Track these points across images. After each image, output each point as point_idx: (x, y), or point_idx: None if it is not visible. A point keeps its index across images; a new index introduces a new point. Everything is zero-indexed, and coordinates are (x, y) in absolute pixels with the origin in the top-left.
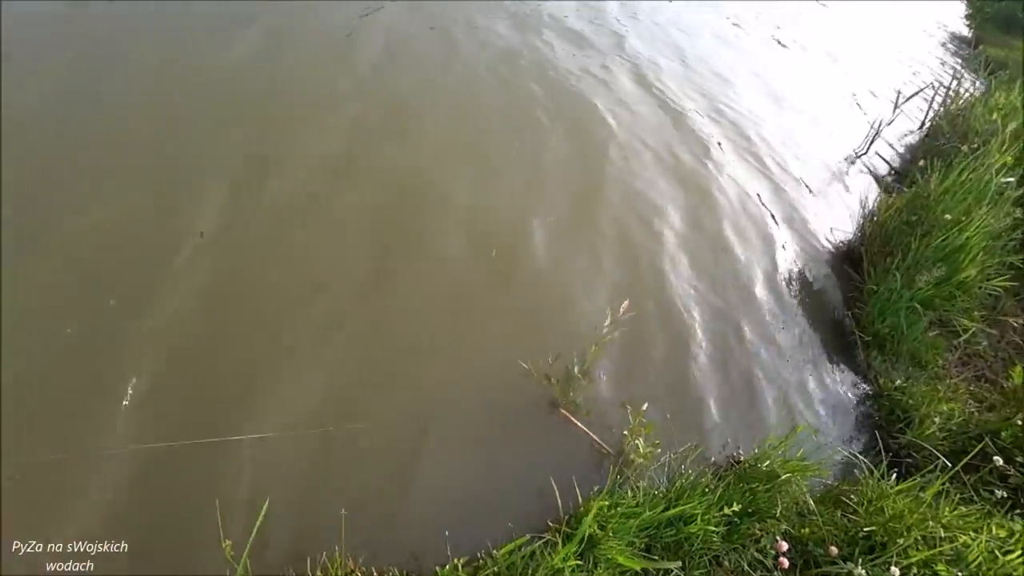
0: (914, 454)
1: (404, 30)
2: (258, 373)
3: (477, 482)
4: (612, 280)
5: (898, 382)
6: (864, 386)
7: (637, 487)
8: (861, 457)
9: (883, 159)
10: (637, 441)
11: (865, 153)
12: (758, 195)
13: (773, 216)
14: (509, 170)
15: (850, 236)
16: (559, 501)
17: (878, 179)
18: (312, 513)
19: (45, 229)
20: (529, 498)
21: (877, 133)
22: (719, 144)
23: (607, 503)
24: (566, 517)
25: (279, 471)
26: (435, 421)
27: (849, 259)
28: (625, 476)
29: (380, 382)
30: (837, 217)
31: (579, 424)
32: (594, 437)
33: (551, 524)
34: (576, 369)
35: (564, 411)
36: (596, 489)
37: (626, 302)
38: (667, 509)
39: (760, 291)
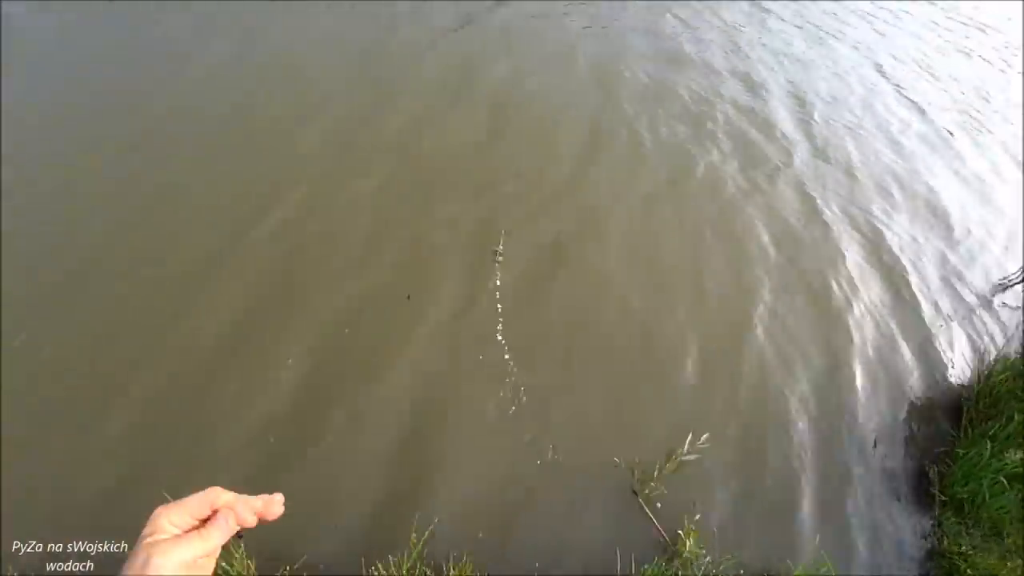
0: None
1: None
2: (439, 459)
3: (564, 536)
4: (726, 400)
5: (964, 548)
6: (930, 543)
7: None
8: None
9: None
10: (688, 540)
11: (1020, 282)
12: (895, 326)
13: (898, 347)
14: (675, 286)
15: (959, 386)
16: (619, 568)
17: (1012, 322)
18: (457, 530)
19: None
20: (597, 559)
21: None
22: (871, 268)
23: None
24: None
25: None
26: (542, 482)
27: (950, 411)
28: (674, 566)
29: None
30: (957, 359)
31: (649, 513)
32: (658, 527)
33: None
34: (656, 472)
35: (641, 500)
36: (645, 567)
37: (706, 435)
38: None
39: (851, 422)
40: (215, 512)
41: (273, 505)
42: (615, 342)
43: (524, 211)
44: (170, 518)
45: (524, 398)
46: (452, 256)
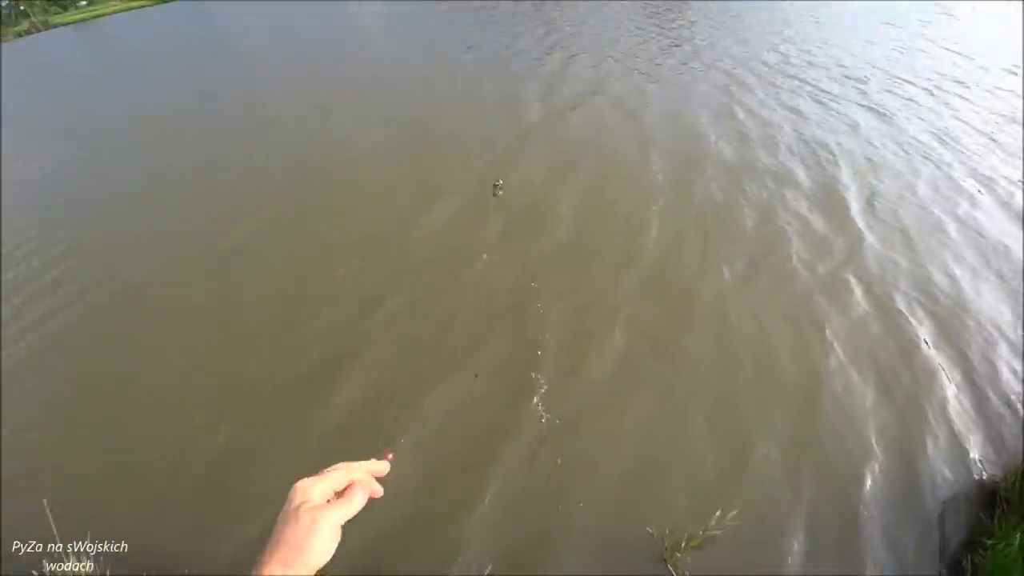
0: None
1: (681, 225)
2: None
3: None
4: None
5: None
6: None
7: None
8: None
9: None
10: None
11: None
12: (961, 418)
13: (963, 437)
14: (743, 376)
15: (1000, 474)
16: None
17: None
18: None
19: None
20: None
21: None
22: (938, 357)
23: None
24: None
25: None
26: (580, 545)
27: (989, 501)
28: None
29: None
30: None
31: None
32: None
33: None
34: (683, 543)
35: (670, 566)
36: None
37: (734, 511)
38: None
39: (902, 513)
40: (351, 484)
41: (382, 467)
42: (684, 429)
43: (609, 303)
44: (318, 489)
45: (575, 464)
46: (547, 341)
